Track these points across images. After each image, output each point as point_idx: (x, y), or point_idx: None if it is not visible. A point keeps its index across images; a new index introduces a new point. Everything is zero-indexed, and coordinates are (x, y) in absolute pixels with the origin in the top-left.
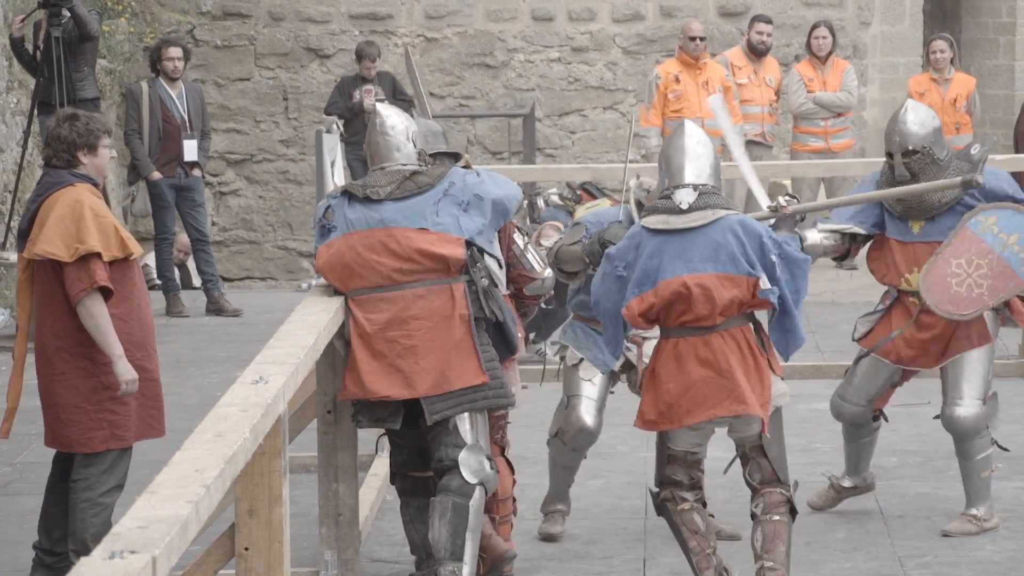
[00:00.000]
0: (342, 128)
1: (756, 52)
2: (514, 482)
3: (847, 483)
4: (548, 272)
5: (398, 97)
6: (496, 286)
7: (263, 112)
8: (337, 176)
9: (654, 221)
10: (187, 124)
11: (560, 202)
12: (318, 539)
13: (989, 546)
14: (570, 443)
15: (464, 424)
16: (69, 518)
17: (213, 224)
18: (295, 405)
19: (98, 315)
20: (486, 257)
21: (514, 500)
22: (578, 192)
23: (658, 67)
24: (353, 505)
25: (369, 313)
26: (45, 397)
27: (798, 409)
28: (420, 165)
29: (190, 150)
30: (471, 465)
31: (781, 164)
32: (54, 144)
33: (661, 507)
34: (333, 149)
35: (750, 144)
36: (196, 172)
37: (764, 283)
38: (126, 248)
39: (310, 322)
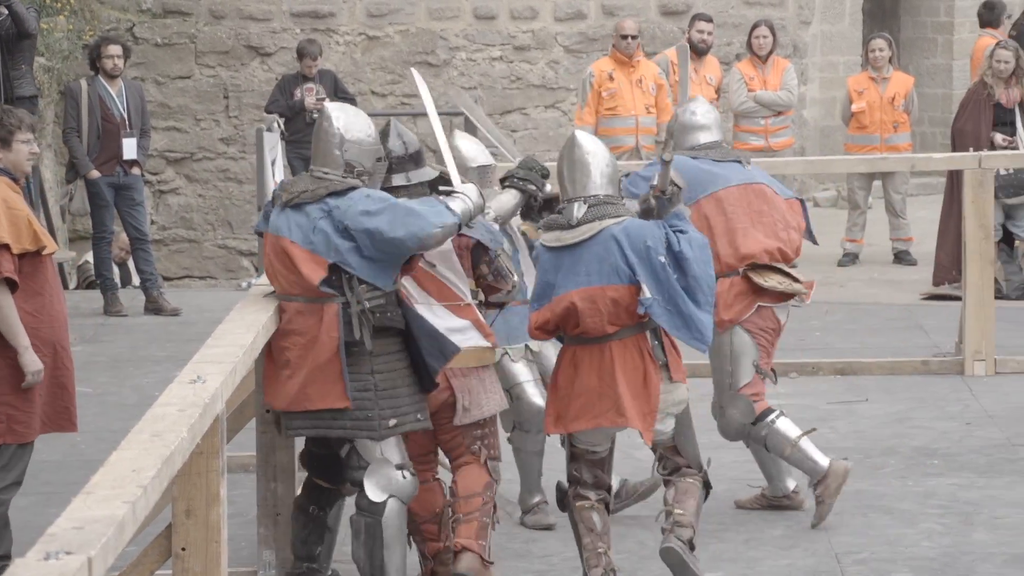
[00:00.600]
0: (283, 126)
1: (697, 51)
2: (495, 482)
3: (768, 493)
4: (515, 278)
5: (339, 95)
6: (389, 312)
7: (203, 110)
8: (278, 174)
9: (549, 238)
10: (126, 122)
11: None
12: (256, 539)
13: (925, 542)
14: (532, 428)
15: (363, 446)
16: None
17: (152, 223)
18: (233, 405)
19: (3, 306)
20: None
21: (495, 506)
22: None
23: (592, 65)
24: (291, 505)
25: (277, 322)
26: None
27: None
28: (341, 176)
29: (129, 148)
30: (378, 481)
31: None
32: None
33: (562, 502)
34: (274, 147)
35: None
36: (135, 170)
37: (645, 292)
38: (38, 241)
39: (249, 321)
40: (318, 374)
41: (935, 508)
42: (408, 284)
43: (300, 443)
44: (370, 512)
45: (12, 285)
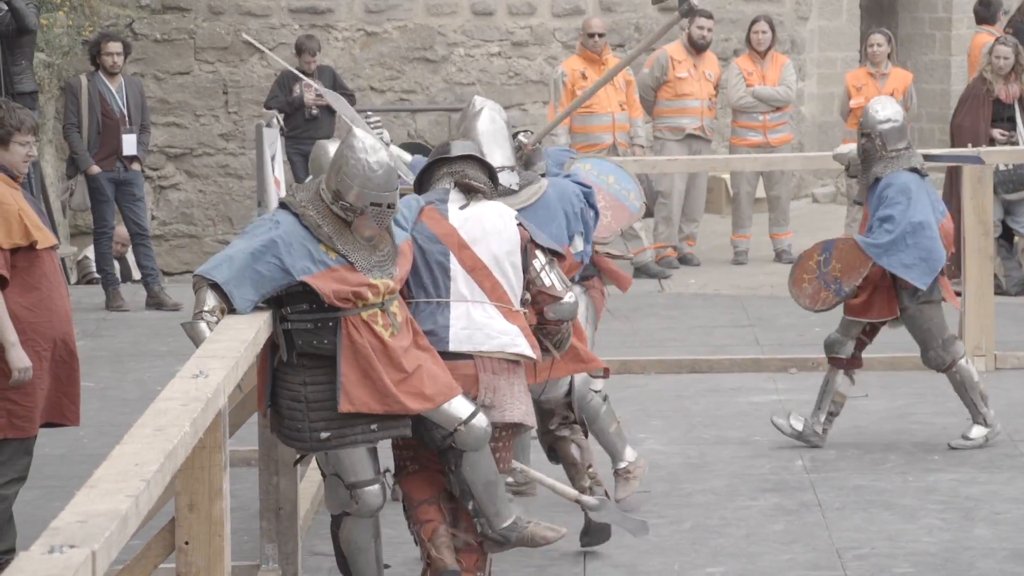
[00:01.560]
0: (282, 122)
1: (696, 47)
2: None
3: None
4: (571, 296)
5: (338, 91)
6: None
7: (203, 106)
8: (277, 170)
9: None
10: (126, 118)
11: None
12: (259, 532)
13: (926, 538)
14: None
15: (320, 459)
16: None
17: (153, 218)
18: (235, 400)
19: None
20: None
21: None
22: None
23: (562, 64)
24: (293, 499)
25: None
26: None
27: (737, 402)
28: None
29: (129, 144)
30: (330, 498)
31: (720, 158)
32: None
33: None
34: (273, 143)
35: (689, 138)
36: (135, 166)
37: (577, 244)
38: (30, 236)
39: (250, 316)
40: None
41: (936, 504)
42: (462, 281)
43: None
44: (336, 523)
45: (2, 282)
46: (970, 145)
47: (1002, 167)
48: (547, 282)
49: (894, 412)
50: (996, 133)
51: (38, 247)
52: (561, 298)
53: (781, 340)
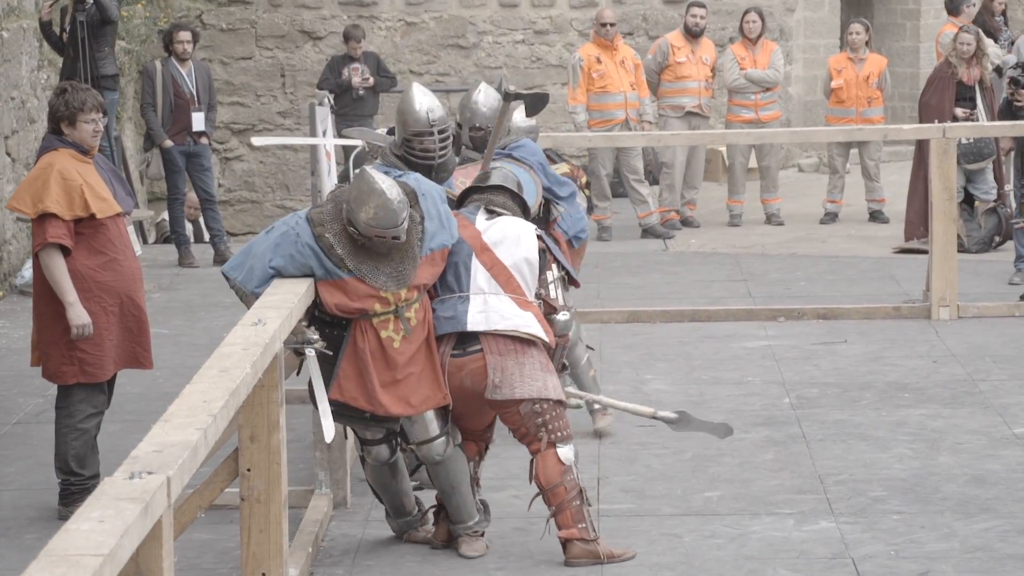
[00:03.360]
0: (332, 101)
1: (692, 34)
2: (569, 465)
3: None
4: (565, 314)
5: (382, 74)
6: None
7: (263, 87)
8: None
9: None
10: (195, 98)
11: None
12: (312, 461)
13: (897, 465)
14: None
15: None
16: (55, 441)
17: (219, 186)
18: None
19: (52, 267)
20: None
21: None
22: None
23: (579, 50)
24: (342, 431)
25: None
26: (34, 335)
27: (731, 348)
28: None
29: (198, 121)
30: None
31: (717, 133)
32: (48, 112)
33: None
34: (324, 120)
35: (689, 115)
36: (204, 140)
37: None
38: (89, 209)
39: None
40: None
41: (906, 435)
42: (482, 277)
43: None
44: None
45: (65, 250)
46: (937, 121)
47: (964, 141)
48: (552, 293)
49: (869, 356)
50: (958, 111)
51: (98, 217)
52: (557, 312)
53: (771, 293)
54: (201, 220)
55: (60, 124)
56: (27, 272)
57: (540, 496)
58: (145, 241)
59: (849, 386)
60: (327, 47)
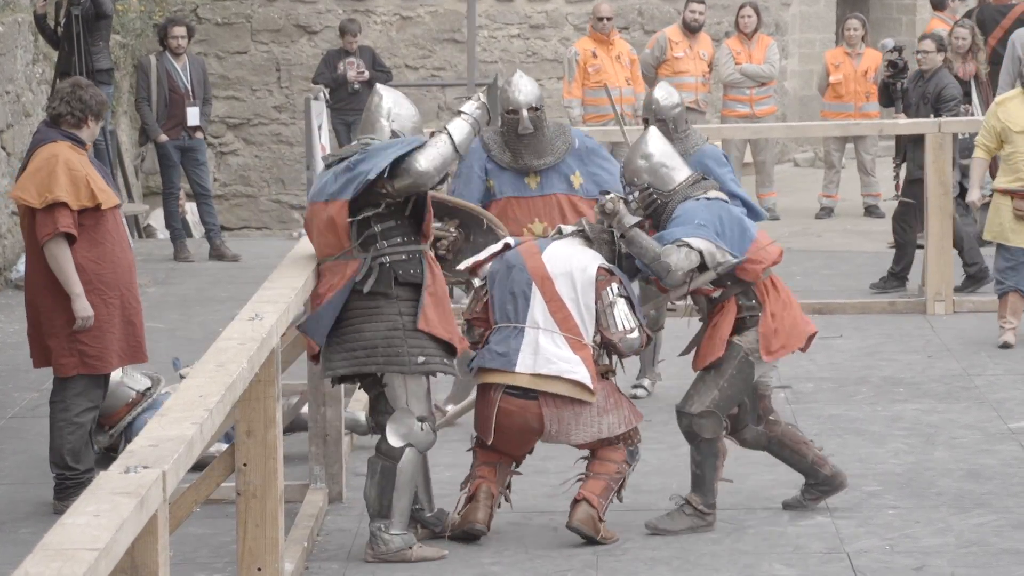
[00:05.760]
0: (328, 96)
1: (690, 29)
2: (630, 463)
3: None
4: (634, 334)
5: (377, 68)
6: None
7: (258, 81)
8: (323, 138)
9: None
10: (190, 93)
11: None
12: (308, 456)
13: (892, 460)
14: None
15: (392, 391)
16: (49, 435)
17: (215, 180)
18: (287, 339)
19: (59, 257)
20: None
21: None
22: None
23: (575, 45)
24: (338, 427)
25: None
26: (31, 325)
27: None
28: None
29: (193, 116)
30: (398, 429)
31: (712, 128)
32: (75, 104)
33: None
34: (320, 114)
35: (686, 110)
36: (199, 135)
37: None
38: (95, 199)
39: (300, 266)
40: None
41: (901, 430)
42: (539, 310)
43: None
44: (388, 456)
45: (70, 239)
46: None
47: (960, 136)
48: (603, 322)
49: (864, 350)
50: None
51: (103, 208)
52: (615, 340)
53: None
54: (189, 215)
55: (89, 118)
56: (22, 266)
57: (587, 459)
58: (140, 235)
59: (845, 381)
60: (322, 41)
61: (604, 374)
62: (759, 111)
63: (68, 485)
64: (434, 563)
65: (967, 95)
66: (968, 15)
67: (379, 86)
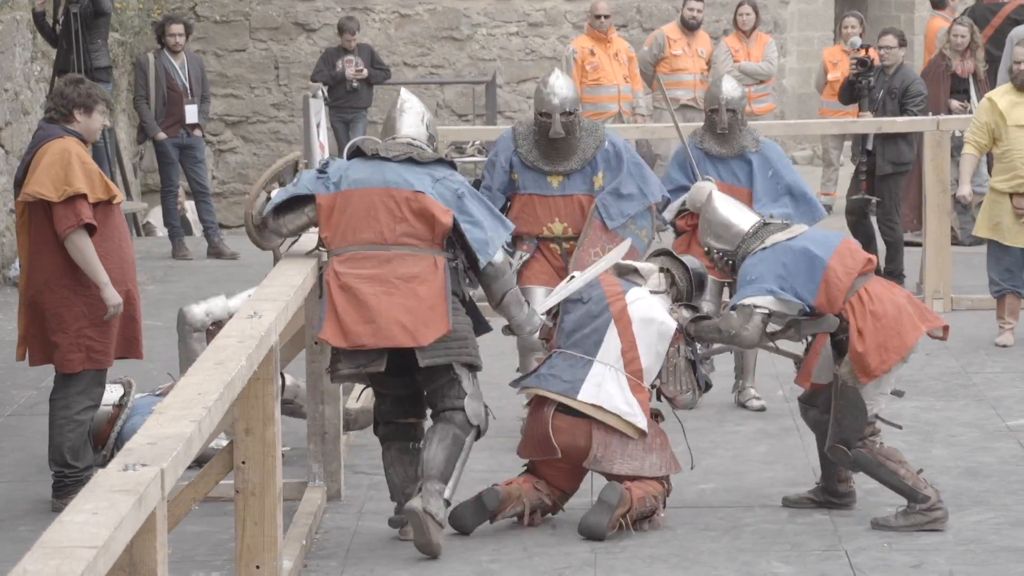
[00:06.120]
0: (326, 94)
1: (689, 26)
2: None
3: None
4: (689, 394)
5: (376, 66)
6: (469, 274)
7: (257, 79)
8: (322, 136)
9: None
10: (188, 91)
11: None
12: (306, 454)
13: None
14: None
15: (465, 380)
16: (49, 433)
17: (213, 178)
18: (286, 337)
19: (84, 248)
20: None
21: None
22: None
23: (573, 43)
24: (337, 424)
25: (354, 268)
26: (32, 323)
27: None
28: (427, 146)
29: (191, 113)
30: (473, 409)
31: None
32: (56, 100)
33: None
34: (318, 112)
35: (684, 108)
36: (197, 132)
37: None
38: (109, 191)
39: (299, 264)
40: (428, 313)
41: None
42: (612, 350)
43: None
44: (462, 428)
45: (91, 230)
46: (931, 113)
47: (958, 133)
48: (664, 376)
49: None
50: (953, 103)
51: (115, 201)
52: (672, 397)
53: None
54: (189, 213)
55: (75, 112)
56: None
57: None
58: (138, 233)
59: None
60: (321, 39)
61: (654, 415)
62: (757, 109)
63: (67, 483)
64: (432, 561)
65: (966, 92)
66: (966, 13)
67: (403, 90)
